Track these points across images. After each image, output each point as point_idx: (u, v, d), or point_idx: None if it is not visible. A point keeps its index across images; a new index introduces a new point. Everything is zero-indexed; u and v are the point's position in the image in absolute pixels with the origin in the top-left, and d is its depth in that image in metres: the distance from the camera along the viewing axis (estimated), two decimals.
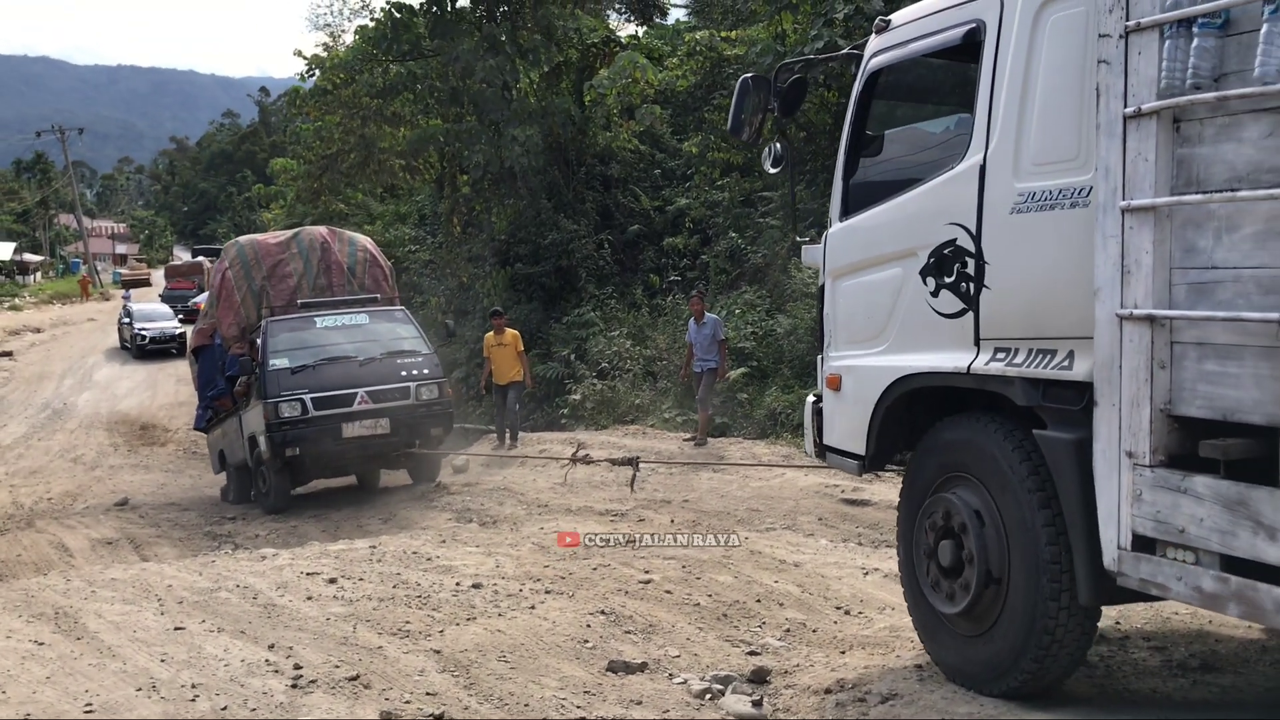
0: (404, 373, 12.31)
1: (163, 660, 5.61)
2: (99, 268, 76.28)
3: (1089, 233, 3.72)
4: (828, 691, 4.88)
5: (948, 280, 4.50)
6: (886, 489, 9.74)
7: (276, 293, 13.39)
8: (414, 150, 24.48)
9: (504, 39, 21.69)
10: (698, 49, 20.06)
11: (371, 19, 23.38)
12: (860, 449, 5.16)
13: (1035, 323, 4.13)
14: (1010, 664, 4.25)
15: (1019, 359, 4.17)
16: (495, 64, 20.80)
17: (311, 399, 11.78)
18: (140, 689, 5.17)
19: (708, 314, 13.87)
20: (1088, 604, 4.01)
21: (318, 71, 25.04)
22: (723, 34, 20.00)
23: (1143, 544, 3.58)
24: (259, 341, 12.46)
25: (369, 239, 15.34)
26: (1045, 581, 4.04)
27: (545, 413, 18.95)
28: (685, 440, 13.68)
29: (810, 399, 5.79)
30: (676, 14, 30.51)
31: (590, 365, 18.43)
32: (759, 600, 6.51)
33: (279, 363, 12.03)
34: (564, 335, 20.31)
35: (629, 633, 5.93)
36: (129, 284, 63.92)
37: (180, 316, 35.56)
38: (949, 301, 4.51)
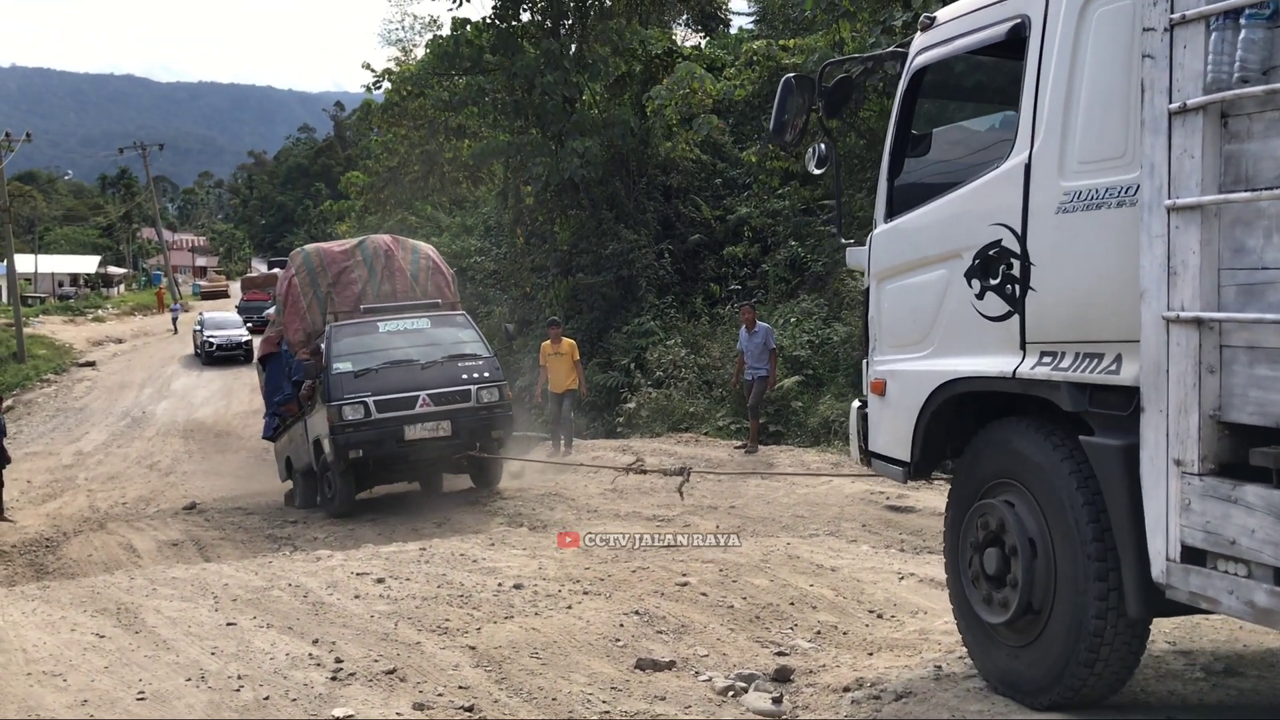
0: (465, 376, 12.42)
1: (213, 653, 5.87)
2: (179, 280, 78.42)
3: (1136, 232, 3.60)
4: (846, 690, 4.96)
5: (993, 282, 4.39)
6: (933, 496, 9.74)
7: (341, 299, 13.62)
8: (478, 162, 24.90)
9: (563, 54, 22.00)
10: (756, 58, 20.16)
11: (436, 36, 23.85)
12: (905, 455, 5.04)
13: (1082, 326, 4.01)
14: (1056, 676, 4.12)
15: (1065, 363, 4.05)
16: (555, 78, 21.11)
17: (374, 401, 11.92)
18: (190, 679, 5.42)
19: (759, 323, 13.95)
20: (1136, 617, 3.87)
21: (385, 83, 25.59)
22: (781, 43, 20.08)
23: (1192, 555, 3.44)
24: (323, 346, 12.67)
25: (432, 247, 15.55)
26: (1091, 592, 3.90)
27: (604, 421, 19.15)
28: (737, 448, 13.78)
29: (855, 404, 5.68)
30: (740, 22, 30.64)
31: (648, 374, 18.59)
32: (792, 603, 6.59)
33: (343, 366, 12.19)
34: (624, 345, 20.51)
35: (660, 632, 6.06)
36: (207, 295, 65.64)
37: (249, 325, 36.85)
38: (994, 304, 4.40)
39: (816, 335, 16.42)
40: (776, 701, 4.95)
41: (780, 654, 5.72)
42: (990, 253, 4.39)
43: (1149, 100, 3.52)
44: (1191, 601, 3.50)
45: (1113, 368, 3.86)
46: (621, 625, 6.13)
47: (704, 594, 6.78)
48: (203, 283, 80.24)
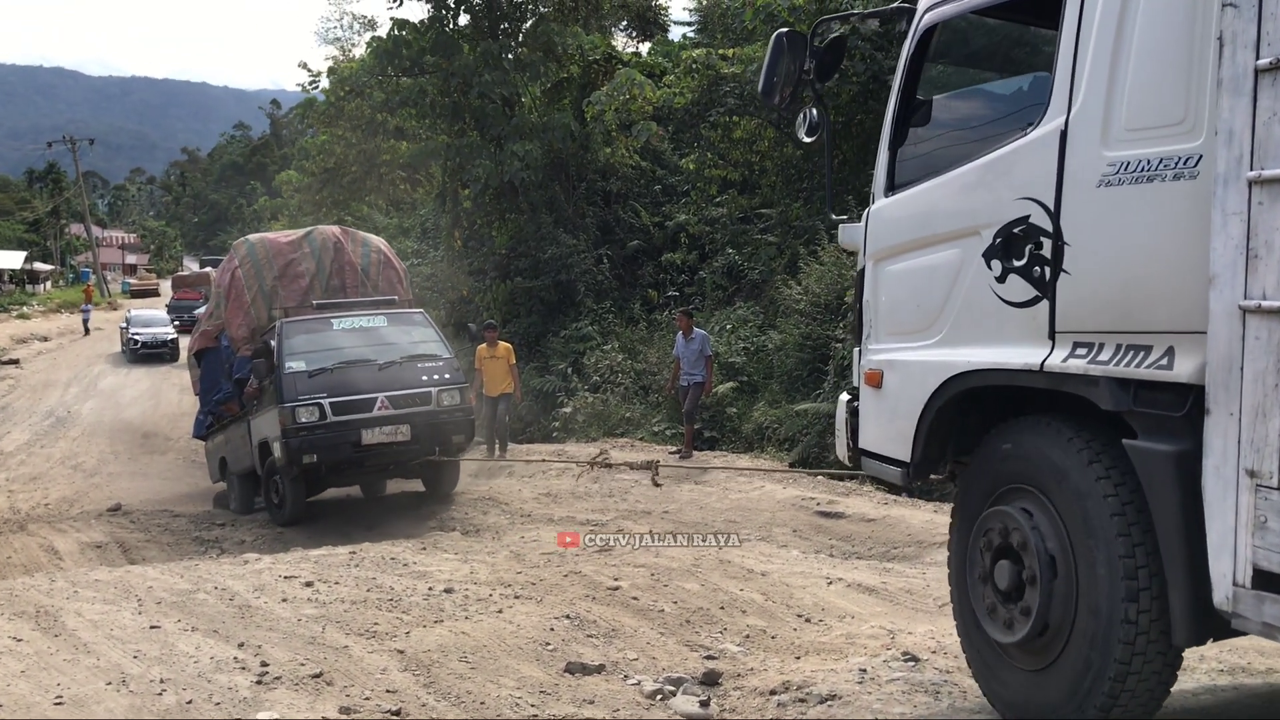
0: (425, 377, 11.79)
1: (135, 657, 5.76)
2: (108, 277, 76.80)
3: (1197, 209, 3.21)
4: (773, 693, 5.01)
5: (1017, 264, 3.92)
6: (862, 502, 9.91)
7: (288, 293, 12.95)
8: (416, 164, 24.76)
9: (503, 55, 21.99)
10: (696, 66, 20.29)
11: (375, 36, 23.71)
12: (904, 454, 4.57)
13: (1125, 314, 3.55)
14: (1076, 705, 3.71)
15: (1104, 356, 3.59)
16: (493, 78, 21.08)
17: (330, 403, 11.27)
18: (110, 683, 5.32)
19: (696, 329, 14.03)
20: (1183, 645, 3.48)
21: (322, 82, 25.37)
22: (720, 52, 20.24)
23: (1267, 580, 3.03)
24: (273, 343, 12.01)
25: (383, 240, 14.84)
26: (1121, 614, 3.49)
27: (540, 425, 19.13)
28: (671, 453, 13.84)
29: (844, 397, 5.21)
30: (680, 30, 30.80)
31: (585, 379, 18.61)
32: (722, 607, 6.65)
33: (296, 365, 11.51)
34: (561, 349, 20.52)
35: (591, 636, 6.07)
36: (137, 293, 64.38)
37: (177, 324, 36.52)
38: (1019, 288, 3.93)
39: (752, 342, 16.56)
40: (704, 704, 4.99)
41: (709, 657, 5.76)
42: (1015, 231, 3.92)
43: (1229, 56, 3.09)
44: (1265, 633, 3.11)
45: (1163, 362, 3.40)
46: (552, 629, 6.13)
47: (635, 598, 6.81)
48: (133, 280, 78.69)
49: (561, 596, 6.86)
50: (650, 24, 28.08)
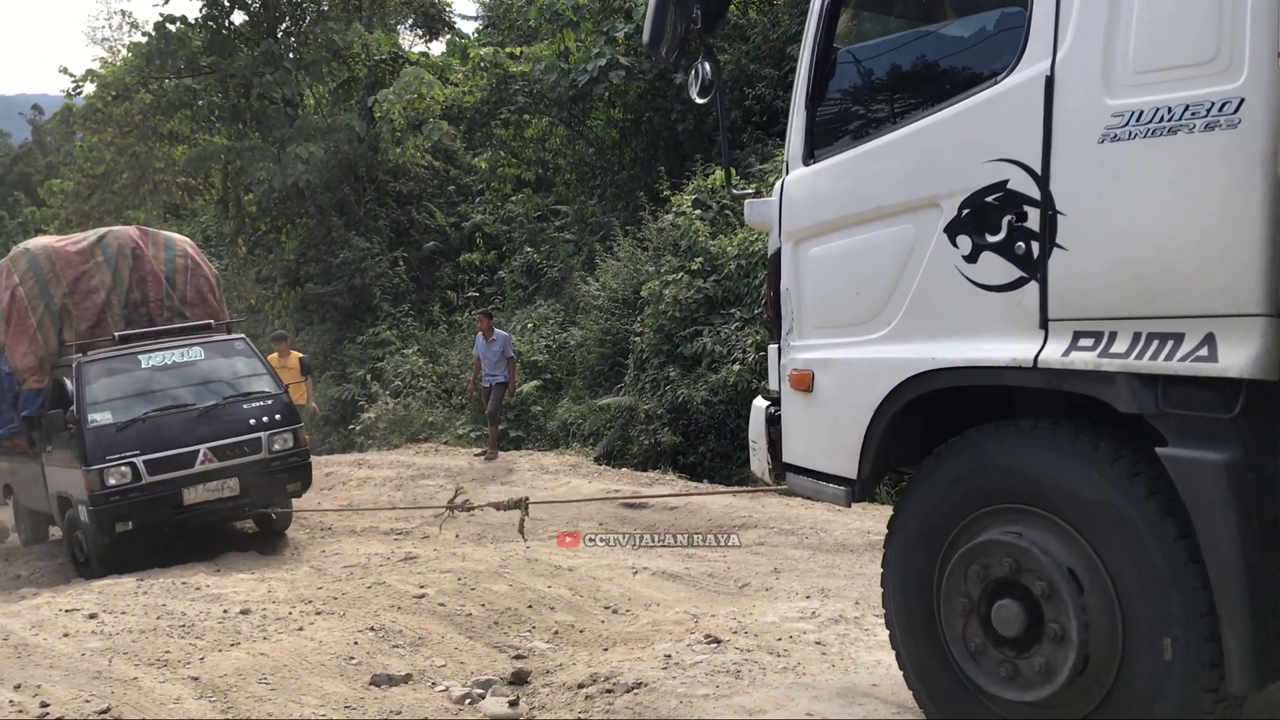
0: (252, 420, 10.31)
1: None
2: None
3: (1238, 164, 2.68)
4: (581, 686, 5.07)
5: (994, 239, 3.29)
6: (663, 491, 10.10)
7: (81, 312, 11.15)
8: (194, 169, 23.68)
9: (284, 55, 21.29)
10: (484, 64, 20.16)
11: (143, 34, 22.48)
12: (848, 470, 3.84)
13: (1144, 296, 2.94)
14: None
15: (1119, 347, 2.99)
16: (275, 78, 20.37)
17: (144, 462, 9.73)
18: None
19: (498, 330, 13.97)
20: (1243, 690, 2.87)
21: (87, 87, 23.92)
22: (508, 50, 20.18)
23: None
24: (70, 386, 10.33)
25: (189, 241, 12.85)
26: (1177, 662, 2.93)
27: (340, 435, 18.65)
28: (476, 455, 13.75)
29: (760, 403, 4.46)
30: (467, 27, 30.53)
31: (385, 385, 18.25)
32: (530, 606, 6.66)
33: (101, 418, 9.87)
34: (359, 356, 20.04)
35: (396, 646, 5.98)
36: None
37: None
38: (996, 269, 3.29)
39: (554, 340, 16.60)
40: (513, 704, 5.01)
41: (518, 657, 5.78)
42: (989, 199, 3.29)
43: None
44: None
45: (1202, 353, 2.81)
46: (356, 643, 6.01)
47: (441, 604, 6.74)
48: None
49: (365, 609, 6.72)
50: (435, 21, 27.69)
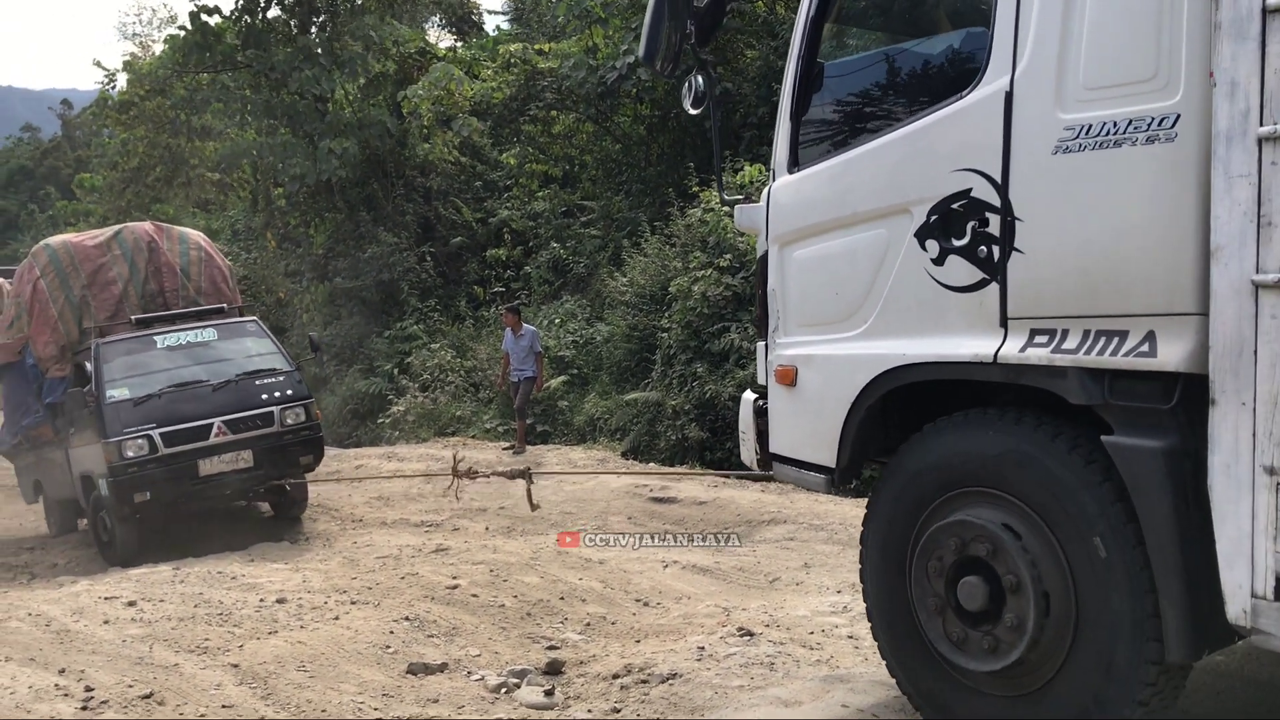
0: (265, 395, 10.72)
1: None
2: None
3: (1177, 175, 2.91)
4: (615, 676, 5.13)
5: (958, 243, 3.52)
6: (692, 486, 10.15)
7: (99, 303, 11.67)
8: (226, 164, 23.88)
9: (319, 50, 21.40)
10: (513, 60, 20.24)
11: (179, 28, 22.56)
12: (827, 459, 4.13)
13: (1092, 296, 3.18)
14: None
15: (1071, 344, 3.22)
16: (311, 75, 20.49)
17: (160, 434, 10.14)
18: None
19: (526, 325, 14.05)
20: (1180, 661, 3.11)
21: (120, 81, 24.16)
22: (536, 46, 20.25)
23: None
24: (89, 367, 10.79)
25: (201, 234, 13.45)
26: (1121, 633, 3.16)
27: (368, 428, 18.78)
28: (504, 449, 13.83)
29: (749, 396, 4.78)
30: (496, 22, 30.63)
31: (413, 378, 18.36)
32: (562, 598, 6.73)
33: (118, 393, 10.33)
34: (387, 350, 20.16)
35: (431, 636, 6.06)
36: None
37: None
38: (961, 271, 3.53)
39: (580, 335, 16.65)
40: (549, 694, 5.06)
41: (551, 648, 5.84)
42: (954, 206, 3.52)
43: None
44: None
45: (1144, 348, 3.05)
46: (391, 632, 6.09)
47: (475, 595, 6.81)
48: None
49: (399, 599, 6.80)
50: (464, 20, 27.80)
